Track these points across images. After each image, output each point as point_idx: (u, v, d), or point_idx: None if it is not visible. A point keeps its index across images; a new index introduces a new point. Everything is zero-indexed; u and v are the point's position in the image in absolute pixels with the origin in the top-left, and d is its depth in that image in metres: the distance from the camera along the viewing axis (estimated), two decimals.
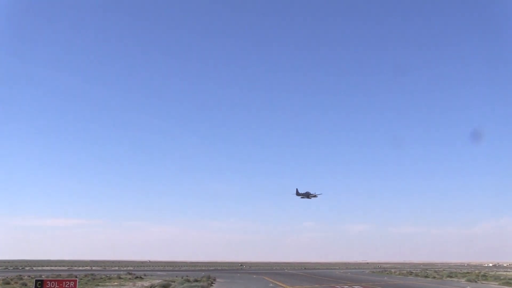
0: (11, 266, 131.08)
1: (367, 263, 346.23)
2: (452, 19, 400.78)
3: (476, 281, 61.61)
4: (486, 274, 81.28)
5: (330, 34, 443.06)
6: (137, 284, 49.31)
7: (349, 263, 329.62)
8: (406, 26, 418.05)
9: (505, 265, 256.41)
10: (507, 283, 54.53)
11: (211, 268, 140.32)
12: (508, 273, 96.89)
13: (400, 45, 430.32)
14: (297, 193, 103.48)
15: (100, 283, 50.24)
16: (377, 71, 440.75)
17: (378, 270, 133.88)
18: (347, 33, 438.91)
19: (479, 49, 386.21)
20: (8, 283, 47.19)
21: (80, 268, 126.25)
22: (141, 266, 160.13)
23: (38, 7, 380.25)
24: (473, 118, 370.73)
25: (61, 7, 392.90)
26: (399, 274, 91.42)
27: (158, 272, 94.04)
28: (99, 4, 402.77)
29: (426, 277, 77.02)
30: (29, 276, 63.11)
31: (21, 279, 53.40)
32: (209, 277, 61.60)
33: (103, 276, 66.09)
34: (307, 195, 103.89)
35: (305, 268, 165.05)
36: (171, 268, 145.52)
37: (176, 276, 67.42)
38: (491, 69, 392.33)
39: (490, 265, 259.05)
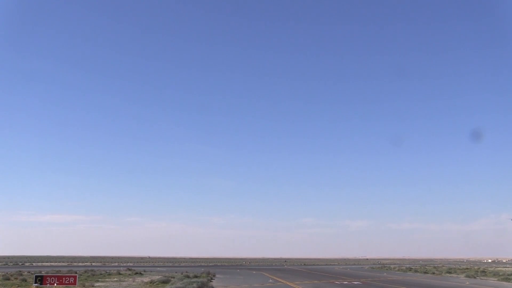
0: (10, 262, 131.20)
1: (367, 259, 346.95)
2: (453, 20, 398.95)
3: (475, 277, 61.76)
4: (485, 270, 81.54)
5: (331, 37, 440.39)
6: (136, 280, 49.35)
7: (348, 259, 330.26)
8: (407, 29, 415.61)
9: (504, 261, 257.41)
10: (506, 279, 54.65)
11: (211, 264, 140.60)
12: (507, 268, 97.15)
13: (401, 48, 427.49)
14: None
15: (100, 279, 50.25)
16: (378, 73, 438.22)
17: (378, 266, 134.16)
18: (348, 36, 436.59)
19: (480, 50, 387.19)
20: (8, 279, 47.16)
21: (80, 264, 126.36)
22: (140, 262, 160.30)
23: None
24: (473, 115, 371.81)
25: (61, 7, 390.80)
26: (398, 270, 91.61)
27: (158, 268, 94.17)
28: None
29: (425, 272, 77.26)
30: (29, 272, 63.14)
31: (21, 274, 53.38)
32: (208, 273, 61.68)
33: (103, 272, 66.15)
34: None
35: (304, 264, 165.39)
36: (170, 264, 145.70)
37: (176, 272, 67.55)
38: (492, 67, 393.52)
39: (489, 261, 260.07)
